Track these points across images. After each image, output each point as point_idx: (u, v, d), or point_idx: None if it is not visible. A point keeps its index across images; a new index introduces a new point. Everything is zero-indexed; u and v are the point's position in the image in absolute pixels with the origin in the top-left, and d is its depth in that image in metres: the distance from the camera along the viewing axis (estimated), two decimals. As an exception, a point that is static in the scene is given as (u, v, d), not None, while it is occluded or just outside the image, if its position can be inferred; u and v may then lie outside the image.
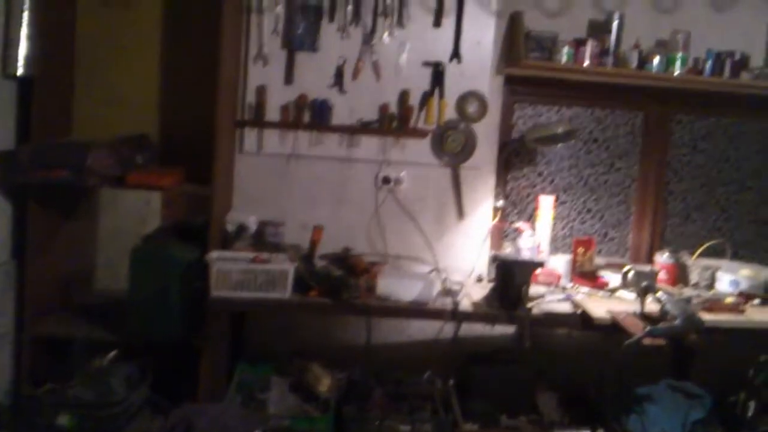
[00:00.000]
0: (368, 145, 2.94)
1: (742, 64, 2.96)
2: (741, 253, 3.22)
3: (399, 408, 2.73)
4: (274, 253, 2.63)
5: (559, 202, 3.19)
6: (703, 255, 3.11)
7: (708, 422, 2.69)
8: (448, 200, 3.03)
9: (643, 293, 2.54)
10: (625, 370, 2.82)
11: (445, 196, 3.03)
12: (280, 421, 2.55)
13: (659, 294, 2.48)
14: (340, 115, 2.91)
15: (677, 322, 2.34)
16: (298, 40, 2.83)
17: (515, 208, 3.21)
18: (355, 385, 2.77)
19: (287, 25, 2.83)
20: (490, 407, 2.79)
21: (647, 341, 2.36)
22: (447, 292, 2.67)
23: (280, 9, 2.81)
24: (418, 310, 2.58)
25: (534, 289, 2.77)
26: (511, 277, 2.57)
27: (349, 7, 2.83)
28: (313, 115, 2.88)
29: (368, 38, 2.86)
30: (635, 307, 2.57)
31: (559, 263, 3.03)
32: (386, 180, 2.96)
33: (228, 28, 2.57)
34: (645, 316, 2.51)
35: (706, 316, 2.59)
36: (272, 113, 2.88)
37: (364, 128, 2.90)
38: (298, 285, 2.55)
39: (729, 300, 2.83)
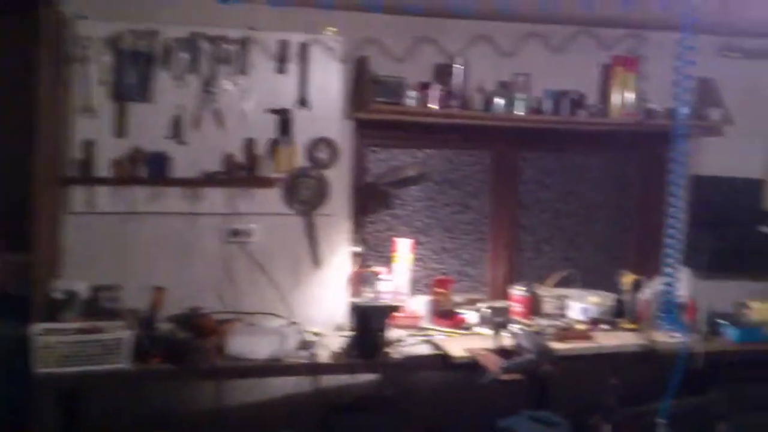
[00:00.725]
0: (214, 198, 2.84)
1: (578, 102, 3.14)
2: (590, 281, 3.37)
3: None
4: (109, 320, 2.46)
5: (417, 244, 3.22)
6: (555, 285, 3.25)
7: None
8: (303, 249, 2.97)
9: (497, 329, 2.59)
10: (487, 404, 2.87)
11: (300, 245, 2.97)
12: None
13: (513, 328, 2.54)
14: (181, 168, 2.80)
15: (530, 355, 2.39)
16: (129, 89, 2.71)
17: (375, 253, 3.21)
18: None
19: (116, 74, 2.70)
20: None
21: (505, 377, 2.39)
22: (304, 345, 2.60)
23: (107, 58, 2.69)
24: (272, 368, 2.48)
25: (394, 333, 2.77)
26: (367, 324, 2.55)
27: (185, 54, 2.76)
28: (150, 169, 2.75)
29: (208, 86, 2.79)
30: (492, 343, 2.62)
31: (420, 305, 3.05)
32: (235, 233, 2.87)
33: (47, 80, 2.42)
34: (501, 351, 2.56)
35: (558, 346, 2.68)
36: (104, 169, 2.72)
37: (209, 180, 2.80)
38: (138, 352, 2.38)
39: (579, 327, 2.96)
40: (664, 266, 2.79)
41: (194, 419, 2.75)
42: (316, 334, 2.80)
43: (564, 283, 3.29)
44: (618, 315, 3.11)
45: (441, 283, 3.08)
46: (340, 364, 2.54)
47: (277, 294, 2.88)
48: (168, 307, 2.69)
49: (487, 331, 2.78)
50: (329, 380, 2.79)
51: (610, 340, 2.85)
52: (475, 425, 2.91)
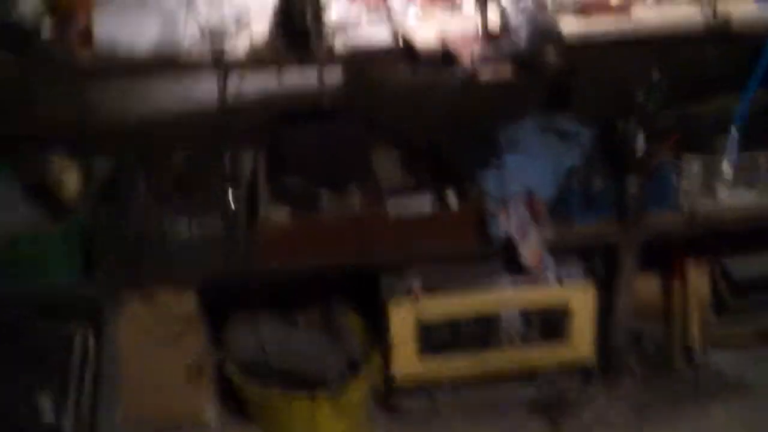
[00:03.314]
0: None
1: None
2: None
3: (182, 200, 2.11)
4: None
5: None
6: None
7: (587, 167, 2.15)
8: None
9: (482, 1, 1.81)
10: (489, 109, 2.22)
11: None
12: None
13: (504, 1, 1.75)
14: None
15: (521, 39, 1.64)
16: None
17: None
18: (116, 178, 2.10)
19: None
20: (310, 181, 2.17)
21: (484, 72, 1.67)
22: (213, 33, 1.89)
23: None
24: (158, 65, 1.81)
25: (345, 13, 2.02)
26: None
27: None
28: None
29: None
30: (475, 25, 1.85)
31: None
32: None
33: None
34: (485, 36, 1.81)
35: (577, 24, 1.91)
36: None
37: None
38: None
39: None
40: None
41: (100, 134, 2.17)
42: (238, 16, 2.08)
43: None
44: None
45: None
46: (258, 58, 1.84)
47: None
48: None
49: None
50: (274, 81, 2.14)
51: (654, 14, 2.00)
52: (470, 134, 2.29)
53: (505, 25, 1.69)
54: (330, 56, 1.82)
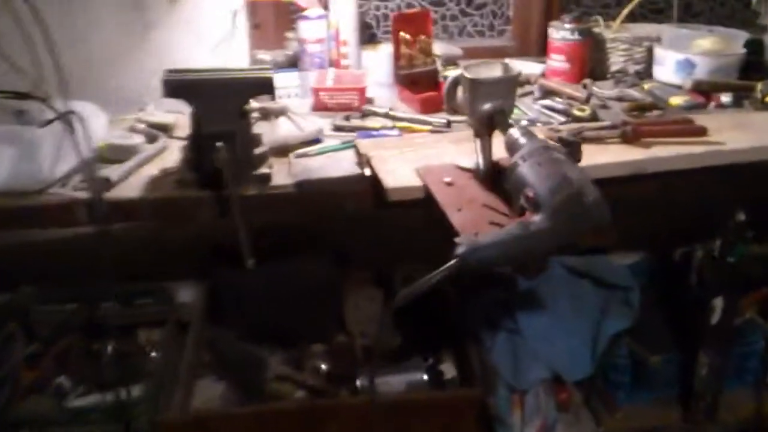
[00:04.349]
0: None
1: None
2: (697, 10, 1.82)
3: (69, 379, 1.49)
4: None
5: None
6: (628, 21, 1.76)
7: (640, 335, 1.49)
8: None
9: (486, 125, 1.17)
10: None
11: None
12: None
13: (513, 129, 1.10)
14: None
15: (540, 216, 0.94)
16: None
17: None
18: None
19: None
20: (255, 340, 1.56)
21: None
22: (97, 165, 1.29)
23: None
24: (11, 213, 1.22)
25: (304, 127, 1.43)
26: (203, 118, 1.19)
27: None
28: None
29: None
30: (474, 157, 1.22)
31: (375, 64, 1.66)
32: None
33: None
34: (491, 175, 1.18)
35: (622, 156, 1.27)
36: None
37: None
38: None
39: (675, 102, 1.53)
40: None
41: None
42: (159, 127, 1.49)
43: (649, 16, 1.79)
44: (751, 71, 1.64)
45: (409, 21, 1.63)
46: (156, 200, 1.22)
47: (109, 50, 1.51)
48: None
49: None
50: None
51: (738, 136, 1.36)
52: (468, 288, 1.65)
53: (513, 176, 1.03)
54: (238, 199, 1.19)
